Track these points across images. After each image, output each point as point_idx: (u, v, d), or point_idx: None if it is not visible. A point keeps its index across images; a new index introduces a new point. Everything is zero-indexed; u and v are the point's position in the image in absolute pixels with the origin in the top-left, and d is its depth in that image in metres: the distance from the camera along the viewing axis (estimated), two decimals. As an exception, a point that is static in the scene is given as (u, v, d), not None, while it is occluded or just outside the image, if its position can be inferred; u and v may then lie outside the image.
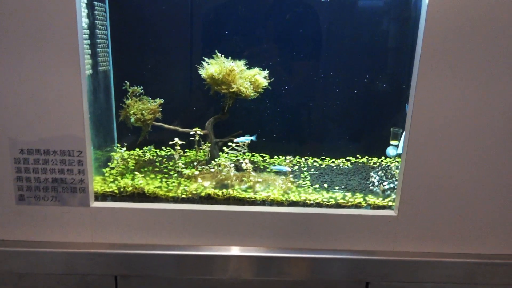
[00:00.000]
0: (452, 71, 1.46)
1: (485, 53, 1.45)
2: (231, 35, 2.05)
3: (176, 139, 1.89)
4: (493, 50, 1.44)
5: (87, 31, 1.69)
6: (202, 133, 1.94)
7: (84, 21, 1.64)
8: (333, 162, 2.23)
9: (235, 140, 1.95)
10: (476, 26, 1.42)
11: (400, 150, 1.96)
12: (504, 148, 1.54)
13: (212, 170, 1.88)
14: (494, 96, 1.49)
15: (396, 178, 1.92)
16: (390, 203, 1.73)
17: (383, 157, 2.25)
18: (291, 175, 1.96)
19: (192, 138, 1.94)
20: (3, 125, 1.51)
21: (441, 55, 1.45)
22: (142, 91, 1.92)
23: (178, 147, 1.90)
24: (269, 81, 1.91)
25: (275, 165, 2.03)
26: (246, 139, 1.94)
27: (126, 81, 1.91)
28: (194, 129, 1.92)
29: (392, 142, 2.09)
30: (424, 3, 1.43)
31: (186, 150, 2.13)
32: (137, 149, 2.19)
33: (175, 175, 1.89)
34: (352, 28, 2.09)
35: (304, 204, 1.73)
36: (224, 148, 2.03)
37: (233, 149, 1.98)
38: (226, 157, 2.01)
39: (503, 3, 1.39)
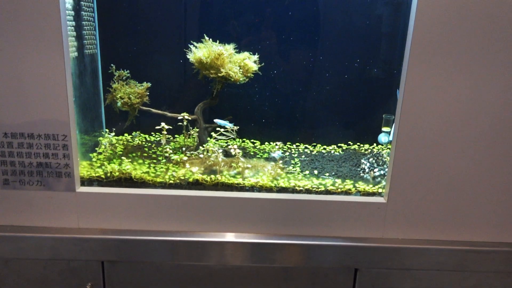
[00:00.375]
0: (442, 57, 1.44)
1: (476, 39, 1.42)
2: (221, 19, 2.01)
3: (163, 124, 1.86)
4: (484, 37, 1.42)
5: (72, 12, 1.65)
6: (190, 118, 1.91)
7: (68, 2, 1.60)
8: (324, 148, 2.21)
9: (215, 120, 1.92)
10: (466, 13, 1.39)
11: (391, 137, 1.94)
12: (493, 136, 1.52)
13: (201, 155, 1.86)
14: (484, 83, 1.46)
15: (387, 165, 1.90)
16: (380, 190, 1.71)
17: (375, 144, 2.23)
18: (280, 161, 1.94)
19: (180, 124, 1.91)
20: (-15, 108, 1.48)
21: (431, 40, 1.42)
22: (128, 74, 1.89)
23: (164, 132, 1.87)
24: (259, 65, 1.87)
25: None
26: (225, 123, 1.90)
27: (112, 65, 1.87)
28: (182, 114, 1.89)
29: (384, 128, 2.07)
30: (416, -15, 1.40)
31: (176, 135, 2.10)
32: (125, 134, 2.16)
33: (164, 160, 1.87)
34: (343, 13, 2.05)
35: (293, 190, 1.71)
36: (213, 133, 2.00)
37: (221, 134, 1.95)
38: (215, 143, 1.98)
39: (496, -14, 1.37)
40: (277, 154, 1.95)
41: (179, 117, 1.89)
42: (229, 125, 1.90)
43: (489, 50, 1.43)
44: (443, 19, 1.40)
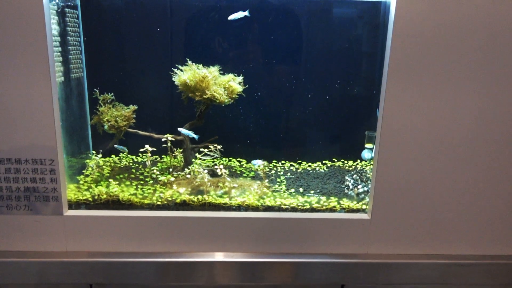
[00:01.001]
0: (419, 76, 1.49)
1: (451, 58, 1.48)
2: (205, 41, 2.05)
3: (147, 146, 1.88)
4: (459, 55, 1.48)
5: (58, 38, 1.68)
6: (176, 139, 1.94)
7: (55, 28, 1.63)
8: (309, 166, 2.25)
9: (179, 129, 1.95)
10: (442, 32, 1.45)
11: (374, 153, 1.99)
12: (471, 151, 1.58)
13: (188, 176, 1.88)
14: (461, 100, 1.52)
15: (371, 181, 1.94)
16: (364, 207, 1.75)
17: (358, 160, 2.28)
18: (266, 180, 1.97)
19: (165, 145, 1.93)
20: (-28, 134, 1.49)
21: (408, 60, 1.48)
22: (113, 97, 1.91)
23: (149, 154, 1.90)
24: (243, 87, 1.91)
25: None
26: (189, 133, 1.93)
27: (96, 89, 1.90)
28: (166, 135, 1.92)
29: (367, 145, 2.12)
30: (391, 10, 1.46)
31: (163, 156, 2.12)
32: (113, 156, 2.17)
33: (151, 181, 1.88)
34: (325, 35, 2.11)
35: (279, 208, 1.74)
36: (197, 154, 2.03)
37: (205, 154, 1.98)
38: (199, 164, 2.00)
39: (469, 10, 1.43)
40: (257, 162, 1.97)
41: (163, 139, 1.92)
42: (193, 135, 1.93)
43: (464, 68, 1.49)
44: (419, 39, 1.46)
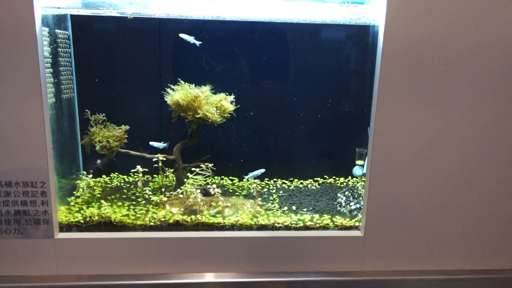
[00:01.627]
0: (409, 96, 1.52)
1: (440, 77, 1.52)
2: (197, 61, 2.06)
3: (138, 167, 1.88)
4: (448, 74, 1.51)
5: (49, 60, 1.67)
6: (169, 159, 1.93)
7: (46, 50, 1.62)
8: (301, 183, 2.26)
9: (150, 143, 1.97)
10: (430, 53, 1.49)
11: (365, 170, 2.01)
12: (463, 167, 1.61)
13: (181, 196, 1.88)
14: (450, 117, 1.56)
15: (363, 197, 1.95)
16: (357, 224, 1.76)
17: (350, 177, 2.30)
18: (262, 197, 1.97)
19: (156, 165, 1.93)
20: (-38, 157, 1.47)
21: (398, 80, 1.51)
22: (104, 118, 1.90)
23: (140, 175, 1.89)
24: (235, 107, 1.92)
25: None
26: (161, 145, 1.95)
27: (87, 110, 1.89)
28: (157, 155, 1.91)
29: (357, 162, 2.14)
30: (380, 31, 1.49)
31: (155, 175, 2.11)
32: (104, 176, 2.16)
33: (143, 202, 1.87)
34: (315, 55, 2.14)
35: (273, 227, 1.74)
36: (189, 174, 2.03)
37: (197, 174, 1.98)
38: (191, 183, 2.00)
39: (456, 30, 1.47)
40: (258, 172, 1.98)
41: (154, 159, 1.91)
42: (163, 145, 1.94)
43: (453, 87, 1.53)
44: (408, 59, 1.49)
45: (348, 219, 1.79)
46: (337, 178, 2.30)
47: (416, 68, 1.50)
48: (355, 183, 2.22)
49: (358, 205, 1.93)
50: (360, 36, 2.08)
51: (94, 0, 1.71)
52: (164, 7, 1.78)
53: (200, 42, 1.91)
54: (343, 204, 1.97)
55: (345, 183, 2.26)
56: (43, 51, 1.46)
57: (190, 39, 1.88)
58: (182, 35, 1.88)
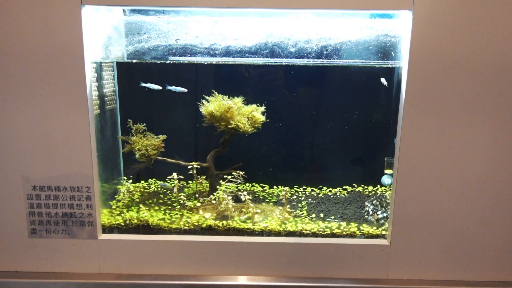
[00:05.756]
0: (434, 107, 1.56)
1: (466, 90, 1.54)
2: (231, 76, 2.17)
3: (174, 174, 2.00)
4: (473, 88, 1.54)
5: (95, 74, 1.81)
6: (203, 166, 2.04)
7: (92, 66, 1.76)
8: (330, 191, 2.31)
9: (168, 87, 2.07)
10: (456, 65, 1.52)
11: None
12: (489, 177, 1.62)
13: (213, 202, 1.98)
14: (475, 131, 1.58)
15: (390, 207, 1.99)
16: (384, 232, 1.80)
17: (378, 186, 2.33)
18: (288, 206, 2.05)
19: (190, 172, 2.04)
20: (16, 163, 1.63)
21: (423, 93, 1.55)
22: (145, 127, 2.03)
23: (176, 181, 2.01)
24: (265, 120, 2.01)
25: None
26: (180, 89, 2.06)
27: (129, 120, 2.03)
28: (191, 163, 2.03)
29: (386, 171, 2.17)
30: (407, 43, 1.54)
31: (189, 181, 2.23)
32: (142, 181, 2.29)
33: (178, 207, 1.98)
34: (345, 68, 2.20)
35: (300, 234, 1.81)
36: (221, 181, 2.13)
37: (229, 181, 2.07)
38: (223, 190, 2.10)
39: (481, 44, 1.50)
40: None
41: (189, 166, 2.03)
42: (183, 89, 2.06)
43: (477, 100, 1.55)
44: (433, 72, 1.53)
45: (374, 228, 1.83)
46: (365, 187, 2.35)
47: (442, 80, 1.54)
48: (383, 192, 2.25)
49: (385, 214, 1.97)
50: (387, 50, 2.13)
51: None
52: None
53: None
54: (371, 212, 2.01)
55: (373, 192, 2.30)
56: (90, 67, 1.59)
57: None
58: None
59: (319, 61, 1.90)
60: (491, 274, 1.71)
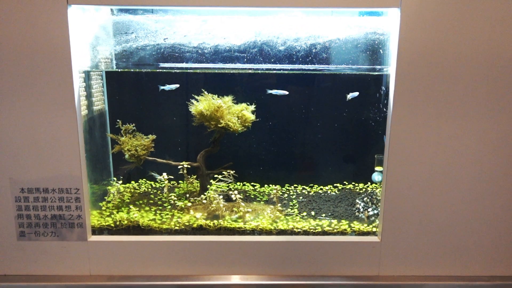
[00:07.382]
0: (424, 103, 1.57)
1: (455, 88, 1.55)
2: (220, 74, 2.15)
3: (164, 174, 1.99)
4: (462, 83, 1.55)
5: (82, 74, 1.80)
6: (190, 166, 2.03)
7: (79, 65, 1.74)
8: (321, 189, 2.32)
9: (161, 87, 2.07)
10: (444, 63, 1.53)
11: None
12: (478, 174, 1.64)
13: (204, 201, 1.97)
14: (465, 126, 1.59)
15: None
16: (374, 229, 1.81)
17: (369, 183, 2.34)
18: (279, 204, 2.05)
19: (181, 172, 2.03)
20: (4, 166, 1.61)
21: (412, 89, 1.56)
22: (134, 127, 2.02)
23: (166, 181, 2.00)
24: (256, 119, 2.00)
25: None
26: (171, 87, 2.07)
27: (118, 120, 2.01)
28: (182, 163, 2.02)
29: (376, 168, 2.18)
30: (395, 40, 1.55)
31: (180, 181, 2.22)
32: (132, 182, 2.28)
33: (169, 207, 1.97)
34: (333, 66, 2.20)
35: (292, 232, 1.81)
36: (212, 180, 2.12)
37: (219, 180, 2.07)
38: (214, 189, 2.09)
39: (470, 43, 1.51)
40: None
41: (179, 166, 2.02)
42: (174, 87, 2.06)
43: (466, 95, 1.56)
44: (422, 68, 1.54)
45: (365, 225, 1.84)
46: (356, 184, 2.35)
47: (431, 77, 1.55)
48: (373, 189, 2.26)
49: (376, 211, 1.98)
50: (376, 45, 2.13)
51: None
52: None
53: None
54: (361, 210, 2.02)
55: (364, 189, 2.31)
56: (77, 66, 1.58)
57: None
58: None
59: (310, 67, 1.91)
60: (480, 269, 1.73)
